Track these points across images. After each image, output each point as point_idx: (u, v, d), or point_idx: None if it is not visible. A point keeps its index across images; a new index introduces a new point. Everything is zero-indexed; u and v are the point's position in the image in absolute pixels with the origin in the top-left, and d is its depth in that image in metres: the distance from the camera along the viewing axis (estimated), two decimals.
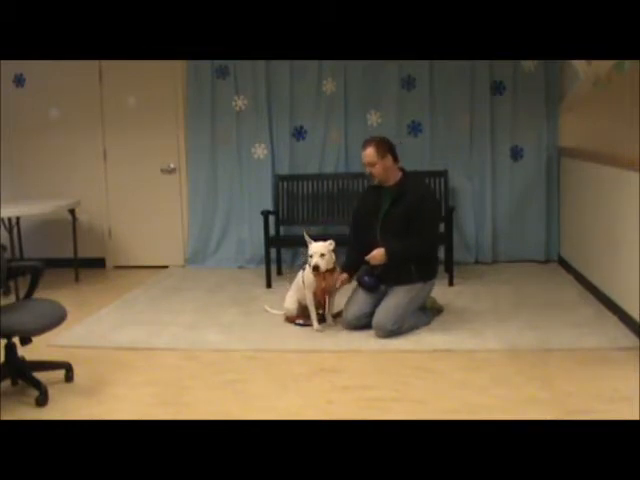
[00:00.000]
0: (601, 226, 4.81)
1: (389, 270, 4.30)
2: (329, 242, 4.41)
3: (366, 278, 4.39)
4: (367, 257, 4.29)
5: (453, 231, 5.59)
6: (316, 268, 4.33)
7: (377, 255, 4.25)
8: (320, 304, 4.54)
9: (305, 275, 4.46)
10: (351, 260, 4.51)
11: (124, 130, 6.46)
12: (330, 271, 4.40)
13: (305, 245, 4.49)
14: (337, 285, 4.44)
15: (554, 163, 6.09)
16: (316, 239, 4.47)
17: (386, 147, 4.33)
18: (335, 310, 4.58)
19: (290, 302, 4.59)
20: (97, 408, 3.36)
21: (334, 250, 4.42)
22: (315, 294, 4.45)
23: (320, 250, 4.36)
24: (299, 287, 4.53)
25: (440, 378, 3.61)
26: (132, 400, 3.44)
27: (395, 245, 4.25)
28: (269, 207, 6.12)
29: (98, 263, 6.63)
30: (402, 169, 4.41)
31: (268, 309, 4.89)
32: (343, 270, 4.48)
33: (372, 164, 4.29)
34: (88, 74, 6.38)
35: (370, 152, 4.30)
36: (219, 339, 4.34)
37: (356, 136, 6.09)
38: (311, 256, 4.37)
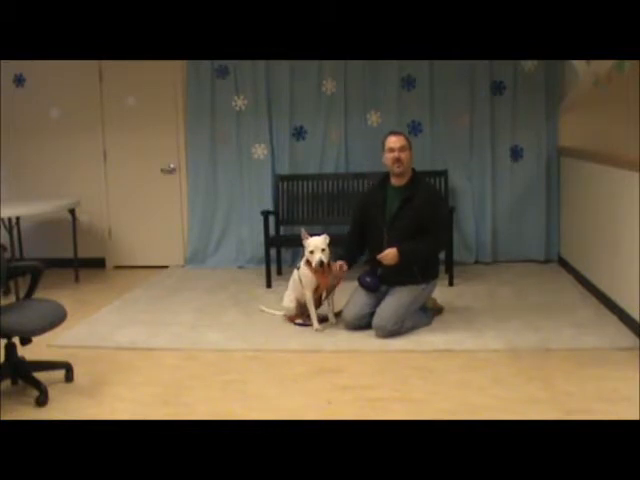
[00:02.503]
0: (601, 226, 4.80)
1: (392, 270, 4.30)
2: (324, 236, 4.44)
3: (367, 278, 4.39)
4: (379, 256, 4.25)
5: (453, 231, 5.59)
6: (321, 263, 4.34)
7: (390, 254, 4.22)
8: (318, 302, 4.55)
9: (302, 274, 4.46)
10: (350, 251, 4.50)
11: (124, 130, 6.47)
12: (326, 273, 4.42)
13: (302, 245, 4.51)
14: (338, 274, 4.40)
15: (554, 163, 6.09)
16: (310, 235, 4.49)
17: (410, 143, 4.45)
18: (336, 309, 4.58)
19: (288, 301, 4.60)
20: (97, 408, 3.36)
21: (329, 245, 4.45)
22: (314, 291, 4.46)
23: (321, 245, 4.38)
24: (296, 285, 4.54)
25: (440, 378, 3.61)
26: (132, 400, 3.44)
27: (407, 245, 4.23)
28: (269, 207, 6.12)
29: (98, 263, 6.63)
30: (413, 170, 4.43)
31: (264, 309, 4.90)
32: (342, 259, 4.44)
33: (404, 149, 4.32)
34: (88, 74, 6.39)
35: (402, 138, 4.38)
36: (219, 339, 4.34)
37: (356, 136, 6.11)
38: (312, 252, 4.38)
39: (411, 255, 4.25)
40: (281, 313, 4.74)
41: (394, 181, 4.39)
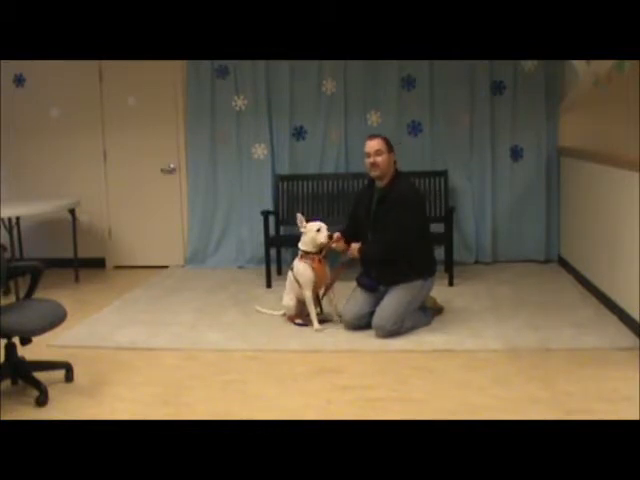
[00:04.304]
0: (601, 226, 4.81)
1: (384, 270, 4.31)
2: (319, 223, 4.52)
3: (365, 279, 4.40)
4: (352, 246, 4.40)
5: (453, 231, 5.59)
6: (330, 237, 4.41)
7: (353, 247, 4.36)
8: (316, 301, 4.56)
9: (299, 273, 4.47)
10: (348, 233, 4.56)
11: (124, 130, 6.47)
12: (323, 263, 4.46)
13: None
14: (332, 243, 4.46)
15: (554, 163, 6.09)
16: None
17: (391, 145, 4.40)
18: (337, 309, 4.58)
19: (288, 299, 4.60)
20: (97, 408, 3.36)
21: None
22: (315, 285, 4.48)
23: (321, 224, 4.47)
24: (293, 286, 4.55)
25: (440, 378, 3.61)
26: (132, 400, 3.44)
27: (368, 245, 4.33)
28: (269, 207, 6.12)
29: (98, 263, 6.63)
30: (396, 170, 4.43)
31: (260, 309, 4.89)
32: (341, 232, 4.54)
33: (379, 153, 4.30)
34: (88, 74, 6.39)
35: (379, 142, 4.35)
36: (219, 339, 4.34)
37: (356, 136, 6.09)
38: (319, 230, 4.44)
39: (368, 254, 4.34)
40: (278, 313, 4.74)
41: (377, 183, 4.42)
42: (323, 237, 4.43)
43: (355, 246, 4.36)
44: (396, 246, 4.27)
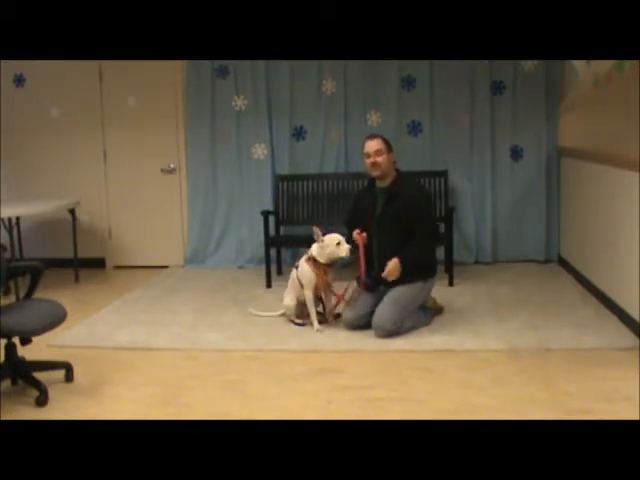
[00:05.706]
0: (601, 226, 4.81)
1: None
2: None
3: (366, 278, 4.39)
4: (383, 274, 4.24)
5: (453, 231, 5.59)
6: (352, 251, 4.33)
7: (392, 270, 4.21)
8: (319, 301, 4.56)
9: (302, 275, 4.46)
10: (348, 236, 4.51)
11: (124, 130, 6.47)
12: (328, 272, 4.43)
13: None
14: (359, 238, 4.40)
15: (554, 163, 6.09)
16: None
17: (390, 145, 4.40)
18: (335, 311, 4.58)
19: (288, 300, 4.59)
20: (97, 408, 3.36)
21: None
22: (315, 288, 4.46)
23: (340, 237, 4.36)
24: (295, 285, 4.54)
25: (440, 378, 3.61)
26: (132, 400, 3.45)
27: (405, 254, 4.22)
28: (269, 207, 6.12)
29: (98, 263, 6.63)
30: (397, 170, 4.43)
31: (253, 312, 4.86)
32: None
33: (380, 153, 4.30)
34: (88, 74, 6.39)
35: (379, 142, 4.35)
36: (219, 339, 4.34)
37: (356, 136, 6.09)
38: (339, 243, 4.34)
39: (411, 261, 4.24)
40: (276, 313, 4.73)
41: (378, 183, 4.42)
42: (344, 251, 4.33)
43: (394, 265, 4.19)
44: (428, 249, 4.35)
